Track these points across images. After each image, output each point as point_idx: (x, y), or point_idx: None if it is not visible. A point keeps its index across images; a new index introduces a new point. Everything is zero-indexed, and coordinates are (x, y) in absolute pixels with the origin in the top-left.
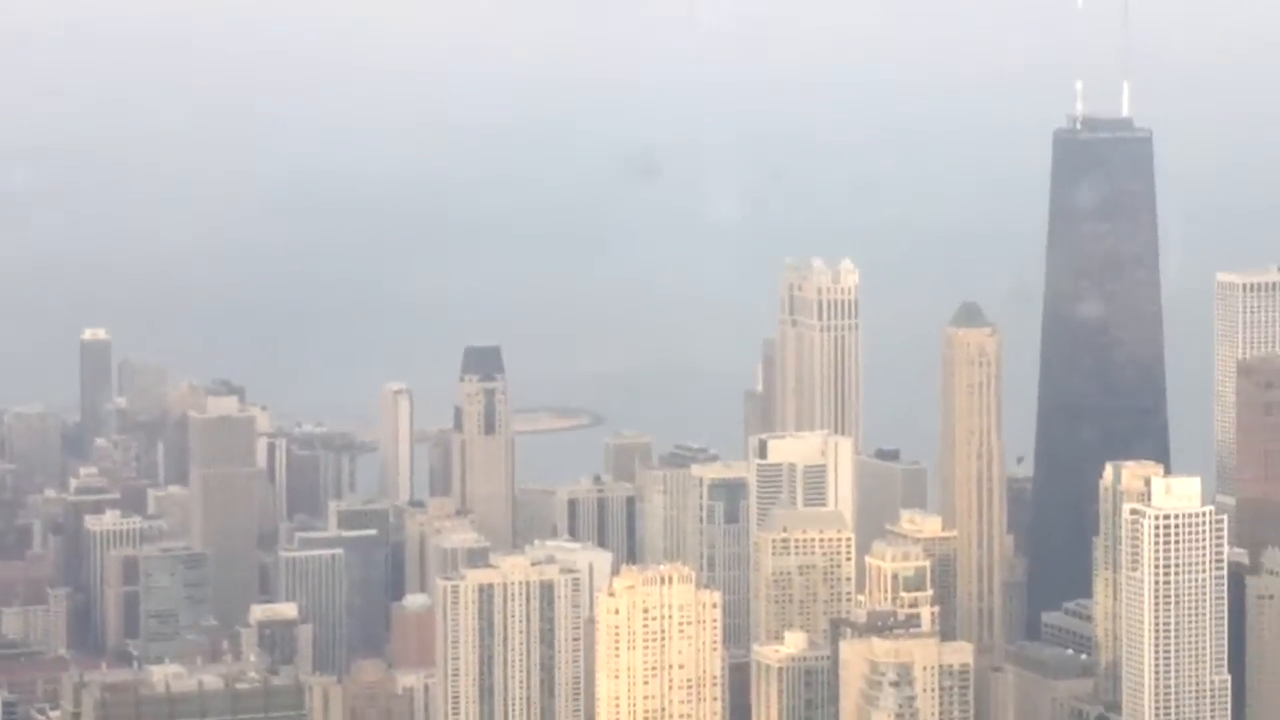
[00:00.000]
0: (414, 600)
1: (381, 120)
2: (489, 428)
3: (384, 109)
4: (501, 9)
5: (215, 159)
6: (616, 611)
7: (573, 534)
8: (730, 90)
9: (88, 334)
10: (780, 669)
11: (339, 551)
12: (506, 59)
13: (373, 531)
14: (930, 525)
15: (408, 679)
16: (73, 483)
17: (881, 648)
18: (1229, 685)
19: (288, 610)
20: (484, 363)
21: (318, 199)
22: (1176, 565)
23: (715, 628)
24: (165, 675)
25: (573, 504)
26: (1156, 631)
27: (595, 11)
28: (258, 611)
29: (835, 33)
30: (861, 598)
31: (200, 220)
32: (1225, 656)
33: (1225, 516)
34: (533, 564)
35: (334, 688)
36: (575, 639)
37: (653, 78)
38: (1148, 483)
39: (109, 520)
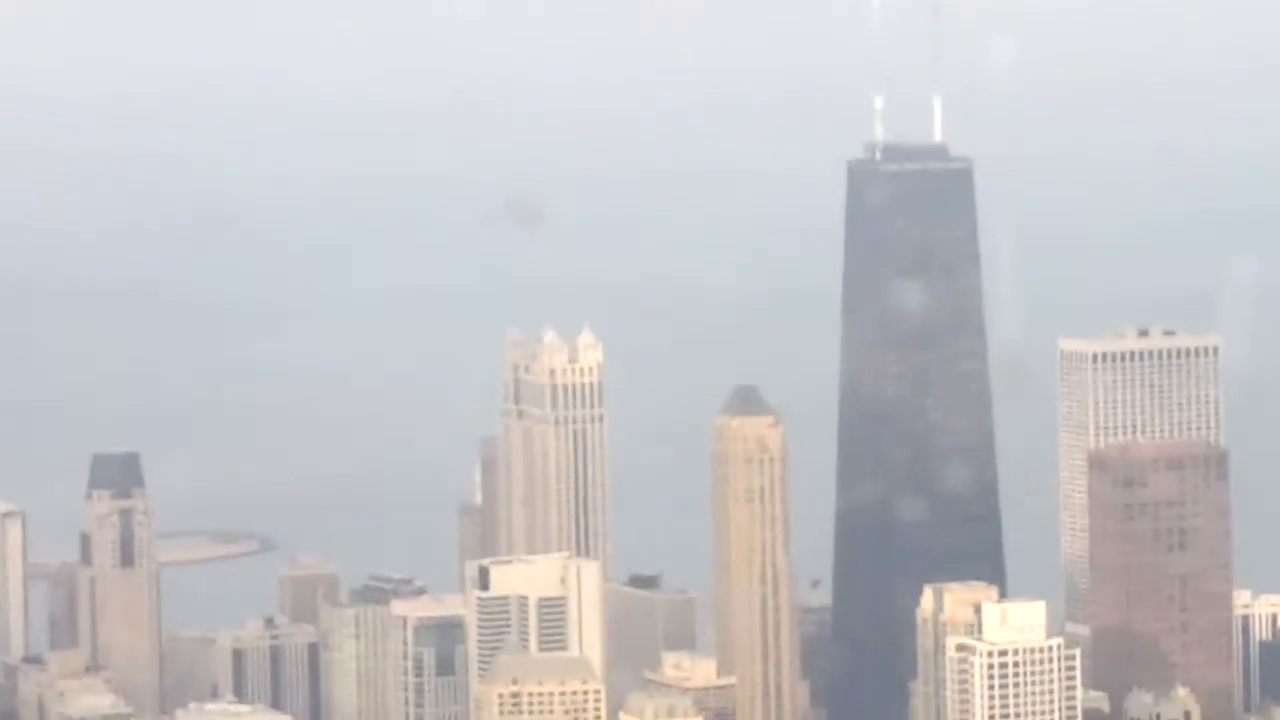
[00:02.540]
0: None
1: None
2: (127, 559)
3: None
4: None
5: None
6: None
7: (239, 694)
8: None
9: None
10: None
11: None
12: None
13: None
14: (702, 671)
15: None
16: None
17: None
18: None
19: None
20: (118, 474)
21: None
22: (1018, 714)
23: None
24: None
25: (238, 655)
26: None
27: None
28: None
29: (595, 52)
30: None
31: None
32: None
33: (1078, 651)
34: None
35: None
36: None
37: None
38: (978, 610)
39: None
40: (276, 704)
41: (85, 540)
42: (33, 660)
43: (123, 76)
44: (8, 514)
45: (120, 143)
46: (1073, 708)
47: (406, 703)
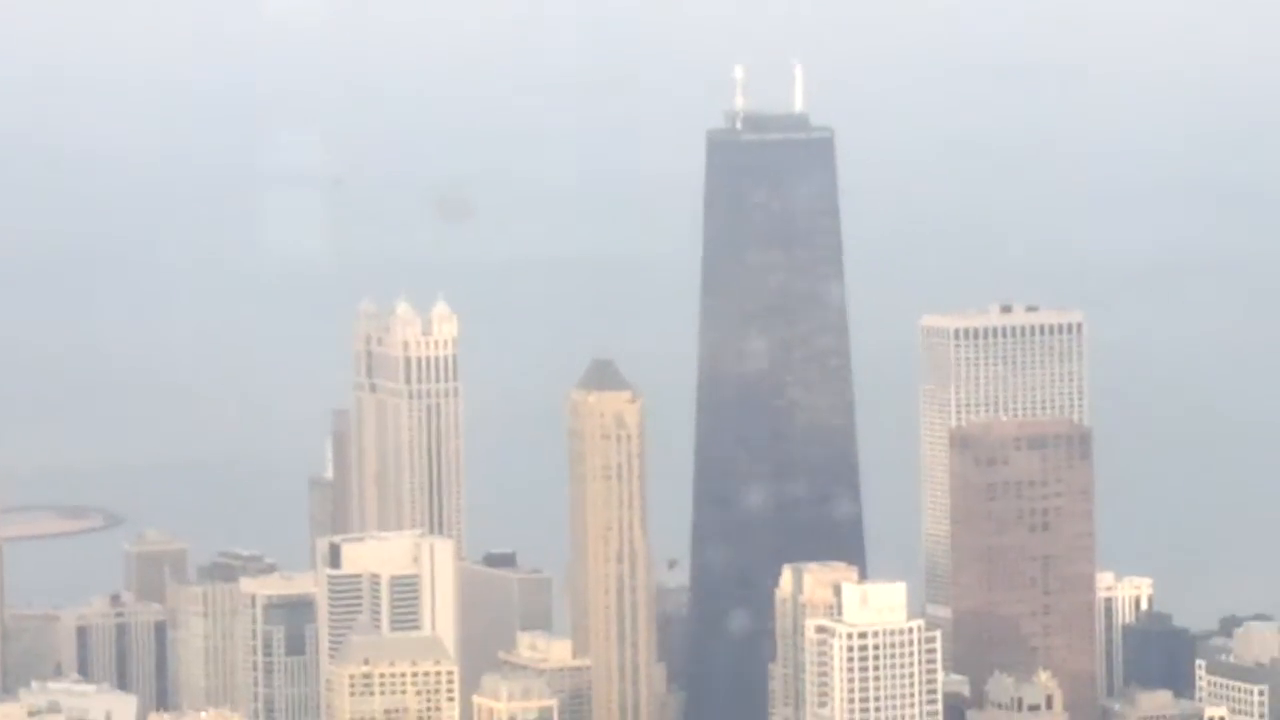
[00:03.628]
0: None
1: None
2: None
3: None
4: None
5: None
6: None
7: (84, 672)
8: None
9: None
10: None
11: None
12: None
13: None
14: (557, 651)
15: None
16: None
17: None
18: None
19: None
20: None
21: None
22: (877, 698)
23: None
24: None
25: (83, 632)
26: None
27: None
28: None
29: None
30: None
31: None
32: None
33: (938, 633)
34: (30, 715)
35: None
36: None
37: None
38: (838, 591)
39: None
40: (122, 683)
41: None
42: None
43: None
44: None
45: None
46: (933, 691)
47: (255, 683)
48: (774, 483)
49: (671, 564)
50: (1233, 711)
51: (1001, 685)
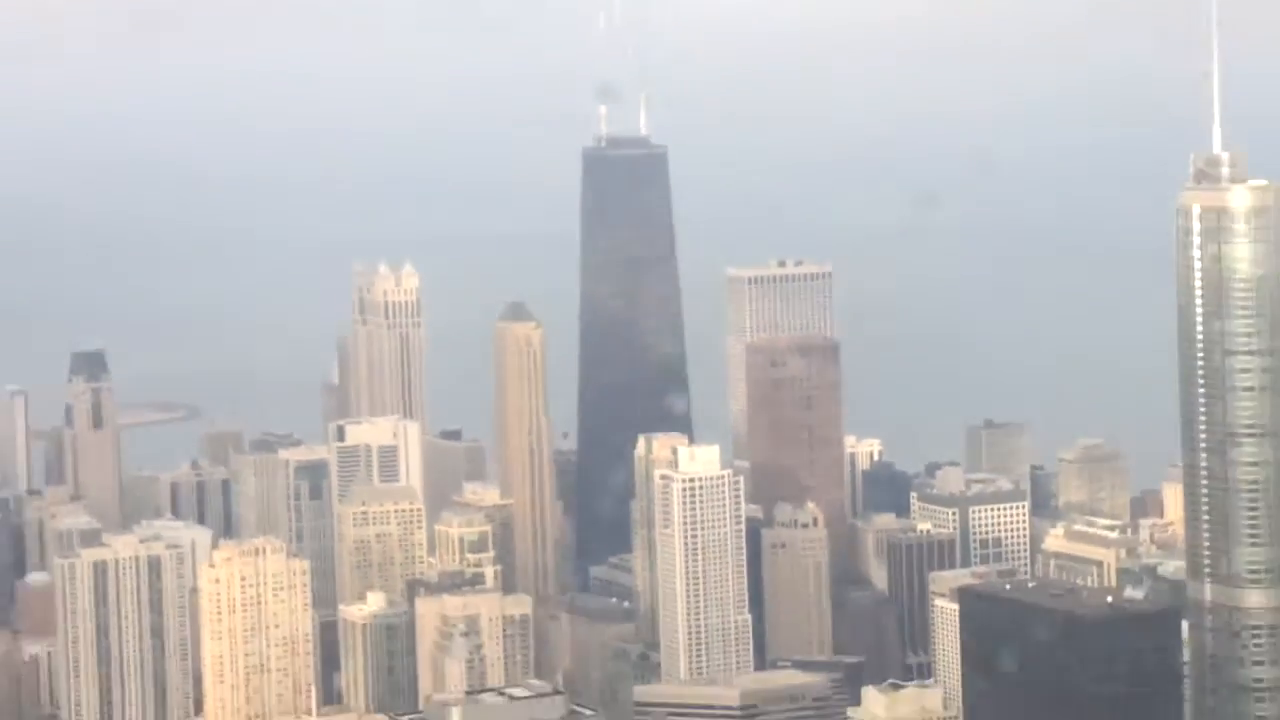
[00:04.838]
0: (36, 578)
1: None
2: (97, 423)
3: None
4: None
5: None
6: (217, 581)
7: (176, 514)
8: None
9: None
10: (364, 625)
11: None
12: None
13: None
14: (490, 495)
15: (33, 648)
16: None
17: (452, 603)
18: (749, 623)
19: None
20: (90, 365)
21: None
22: (702, 522)
23: (305, 592)
24: None
25: (175, 487)
26: (687, 580)
27: None
28: None
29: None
30: (433, 560)
31: None
32: (746, 599)
33: (741, 478)
34: (141, 541)
35: None
36: (181, 607)
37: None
38: (674, 452)
39: None
40: (201, 521)
41: (68, 410)
42: (34, 493)
43: None
44: (15, 392)
45: None
46: (739, 517)
47: (290, 520)
48: (631, 382)
49: (564, 435)
50: (934, 525)
51: (784, 511)
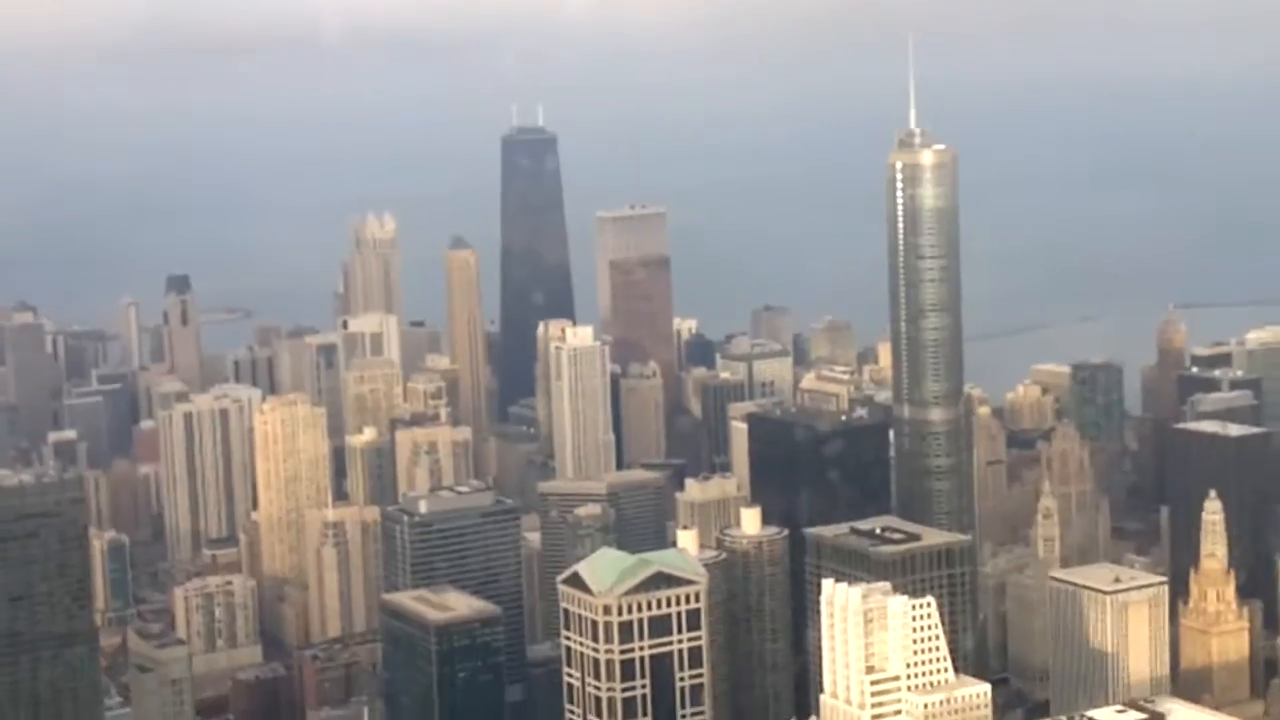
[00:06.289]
0: (145, 424)
1: None
2: (184, 321)
3: None
4: None
5: None
6: (265, 423)
7: (238, 379)
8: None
9: None
10: (362, 449)
11: (99, 399)
12: None
13: (118, 385)
14: (443, 362)
15: (145, 470)
16: None
17: (419, 433)
18: (613, 441)
19: (70, 435)
20: (179, 284)
21: None
22: (581, 376)
23: (323, 428)
24: None
25: (236, 363)
26: (573, 416)
27: None
28: (52, 437)
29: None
30: (406, 405)
31: None
32: (610, 424)
33: (606, 347)
34: (214, 399)
35: (101, 478)
36: (242, 441)
37: None
38: (563, 331)
39: None
40: (254, 384)
41: (165, 314)
42: (144, 368)
43: None
44: (130, 303)
45: None
46: (605, 372)
47: (313, 382)
48: (534, 287)
49: (492, 322)
50: (731, 375)
51: (634, 368)
